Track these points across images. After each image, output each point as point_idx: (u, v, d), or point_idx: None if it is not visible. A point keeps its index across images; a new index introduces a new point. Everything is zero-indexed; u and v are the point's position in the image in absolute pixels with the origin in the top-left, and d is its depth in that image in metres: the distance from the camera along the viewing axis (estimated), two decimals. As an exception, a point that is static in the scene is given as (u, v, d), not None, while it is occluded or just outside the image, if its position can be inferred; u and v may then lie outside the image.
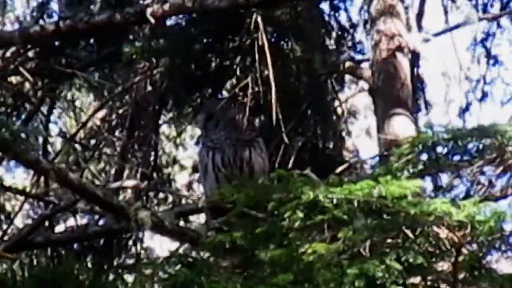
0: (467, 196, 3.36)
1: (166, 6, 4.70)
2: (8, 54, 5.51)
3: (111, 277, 5.28)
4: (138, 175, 6.16)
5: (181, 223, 5.16)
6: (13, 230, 5.81)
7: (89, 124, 6.56)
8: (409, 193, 2.89)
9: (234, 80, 5.01)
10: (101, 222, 5.63)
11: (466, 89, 6.36)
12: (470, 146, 3.34)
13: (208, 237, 3.77)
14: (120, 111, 6.56)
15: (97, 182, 6.45)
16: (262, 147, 4.53)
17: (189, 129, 7.10)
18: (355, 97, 6.45)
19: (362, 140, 7.83)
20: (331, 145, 5.35)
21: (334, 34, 5.51)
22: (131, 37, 5.44)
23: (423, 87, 5.89)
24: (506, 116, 6.33)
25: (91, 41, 5.48)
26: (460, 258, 2.91)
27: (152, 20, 4.71)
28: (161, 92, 5.56)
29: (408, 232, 2.90)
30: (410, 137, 3.55)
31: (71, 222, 6.00)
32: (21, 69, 5.44)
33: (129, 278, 5.34)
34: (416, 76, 5.66)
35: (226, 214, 3.67)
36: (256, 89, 4.73)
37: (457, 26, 5.88)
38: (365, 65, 5.36)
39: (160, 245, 6.60)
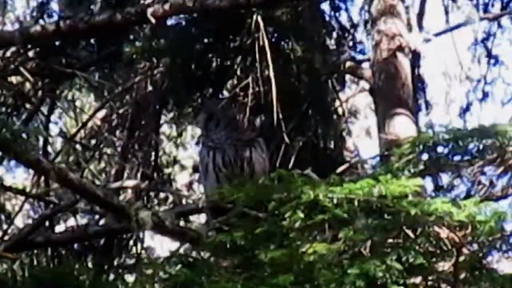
0: (468, 196, 3.37)
1: (167, 6, 4.70)
2: (8, 54, 5.50)
3: (111, 277, 5.30)
4: (139, 175, 6.16)
5: (182, 223, 5.14)
6: (14, 230, 5.80)
7: (90, 124, 6.55)
8: (409, 192, 2.89)
9: (234, 80, 5.01)
10: (101, 222, 5.61)
11: (467, 89, 6.38)
12: (470, 146, 3.34)
13: (208, 237, 3.77)
14: (121, 111, 6.54)
15: (97, 182, 6.43)
16: (263, 147, 4.52)
17: (190, 129, 7.10)
18: (356, 97, 6.44)
19: (362, 140, 7.83)
20: (331, 145, 5.34)
21: (334, 34, 5.51)
22: (131, 37, 5.45)
23: (424, 87, 5.89)
24: (506, 116, 6.38)
25: (92, 41, 5.47)
26: (461, 258, 2.91)
27: (153, 20, 4.71)
28: (161, 92, 5.55)
29: (409, 232, 2.90)
30: (411, 137, 3.55)
31: (71, 222, 6.00)
32: (21, 69, 5.43)
33: (130, 278, 5.34)
34: (417, 76, 5.66)
35: (226, 214, 3.68)
36: (257, 89, 4.74)
37: (457, 26, 5.89)
38: (365, 65, 5.36)
39: (161, 245, 6.61)
